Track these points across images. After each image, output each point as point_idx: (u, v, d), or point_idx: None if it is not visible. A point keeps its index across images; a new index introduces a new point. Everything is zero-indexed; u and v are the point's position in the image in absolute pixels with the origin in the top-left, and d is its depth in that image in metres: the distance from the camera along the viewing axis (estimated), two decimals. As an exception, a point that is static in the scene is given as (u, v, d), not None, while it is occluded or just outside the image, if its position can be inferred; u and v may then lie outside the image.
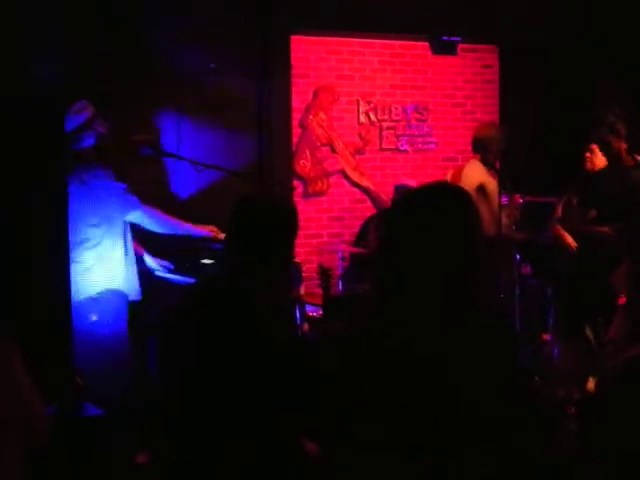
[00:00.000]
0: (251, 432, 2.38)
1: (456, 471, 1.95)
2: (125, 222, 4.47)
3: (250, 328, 2.43)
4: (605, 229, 5.39)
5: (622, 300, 4.69)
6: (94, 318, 4.27)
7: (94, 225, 4.33)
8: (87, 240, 4.31)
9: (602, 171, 5.63)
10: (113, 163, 4.51)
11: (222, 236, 4.38)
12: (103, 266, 4.35)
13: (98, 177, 4.38)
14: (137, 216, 4.51)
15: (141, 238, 4.70)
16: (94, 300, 4.30)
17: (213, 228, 4.70)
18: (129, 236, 4.50)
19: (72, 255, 3.90)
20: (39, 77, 4.08)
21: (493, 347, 2.02)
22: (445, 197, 2.11)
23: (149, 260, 4.72)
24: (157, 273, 4.72)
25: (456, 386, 1.96)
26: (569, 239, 5.69)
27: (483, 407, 1.96)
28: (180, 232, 4.69)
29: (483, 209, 5.52)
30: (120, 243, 4.42)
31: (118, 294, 4.40)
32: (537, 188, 6.09)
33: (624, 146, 5.54)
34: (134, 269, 4.51)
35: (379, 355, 2.01)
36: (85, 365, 3.90)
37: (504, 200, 5.53)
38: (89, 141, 4.42)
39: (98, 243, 4.34)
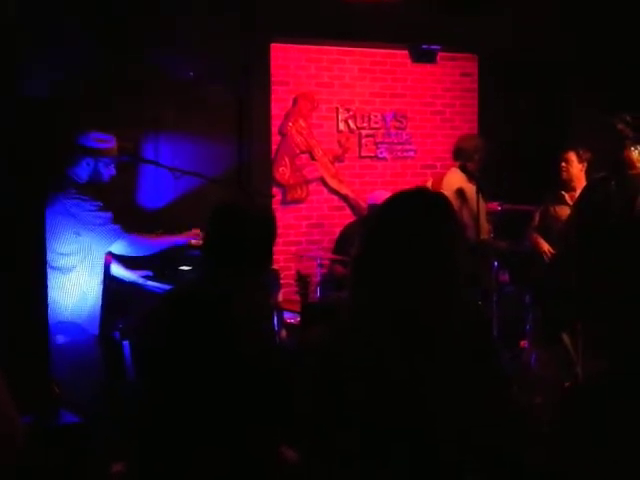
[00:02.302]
0: (224, 441, 2.37)
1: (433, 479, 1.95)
2: (104, 252, 4.36)
3: (220, 337, 2.42)
4: None
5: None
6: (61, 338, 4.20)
7: (71, 253, 4.27)
8: (61, 266, 4.24)
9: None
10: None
11: None
12: (74, 292, 4.28)
13: (83, 208, 4.28)
14: (120, 246, 4.39)
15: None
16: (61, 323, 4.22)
17: (196, 232, 4.62)
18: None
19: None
20: (34, 80, 4.05)
21: (471, 356, 2.02)
22: (424, 204, 2.09)
23: (117, 269, 4.56)
24: (134, 280, 4.65)
25: (432, 394, 1.96)
26: (545, 247, 5.74)
27: (460, 415, 1.96)
28: (165, 247, 4.58)
29: (463, 213, 5.57)
30: (96, 273, 4.34)
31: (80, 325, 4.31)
32: (515, 196, 6.13)
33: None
34: (99, 303, 4.38)
35: (355, 363, 2.01)
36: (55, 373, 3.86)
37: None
38: (93, 174, 4.34)
39: (71, 269, 4.27)
